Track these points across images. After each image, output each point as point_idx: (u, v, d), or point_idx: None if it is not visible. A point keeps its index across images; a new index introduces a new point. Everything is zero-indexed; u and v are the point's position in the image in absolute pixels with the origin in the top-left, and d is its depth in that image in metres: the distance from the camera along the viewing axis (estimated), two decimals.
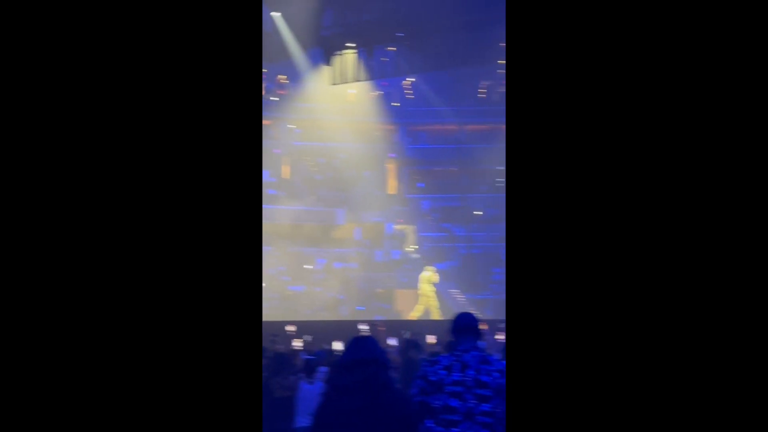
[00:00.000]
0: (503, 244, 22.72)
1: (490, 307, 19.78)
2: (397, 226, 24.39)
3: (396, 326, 12.94)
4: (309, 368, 7.30)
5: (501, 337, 9.46)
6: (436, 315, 16.33)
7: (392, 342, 10.01)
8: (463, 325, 3.80)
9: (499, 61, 20.01)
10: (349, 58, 18.39)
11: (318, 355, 8.25)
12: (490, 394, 3.56)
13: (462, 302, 20.87)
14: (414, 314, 16.56)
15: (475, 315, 3.92)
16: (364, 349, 3.51)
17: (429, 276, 16.69)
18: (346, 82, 18.78)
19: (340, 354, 3.63)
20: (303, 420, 6.42)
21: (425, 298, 16.62)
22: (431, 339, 9.97)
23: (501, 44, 18.22)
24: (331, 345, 9.24)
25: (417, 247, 24.11)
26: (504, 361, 3.67)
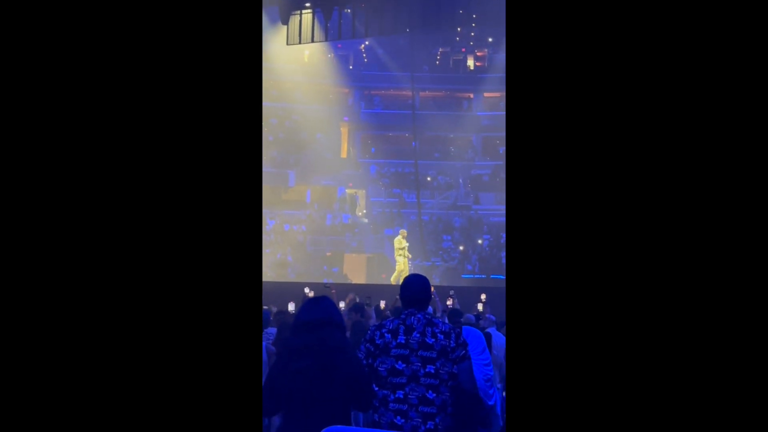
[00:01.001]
0: (453, 211, 22.97)
1: (438, 274, 19.93)
2: (349, 191, 24.36)
3: (345, 289, 12.97)
4: None
5: (450, 302, 9.57)
6: None
7: (341, 305, 10.06)
8: (411, 290, 3.87)
9: (458, 29, 20.00)
10: (305, 18, 18.18)
11: (264, 315, 8.21)
12: (434, 356, 3.64)
13: (411, 268, 21.02)
14: (392, 279, 16.37)
15: (423, 280, 3.97)
16: (320, 309, 3.62)
17: (399, 240, 16.45)
18: (302, 43, 18.58)
19: (294, 314, 3.68)
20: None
21: (399, 263, 16.38)
22: (382, 304, 10.04)
23: (460, 11, 18.17)
24: (277, 306, 9.23)
25: (366, 210, 24.14)
26: (447, 324, 3.74)
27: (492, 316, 8.70)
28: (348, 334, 7.63)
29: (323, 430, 2.94)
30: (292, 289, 13.17)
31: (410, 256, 16.56)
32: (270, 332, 7.15)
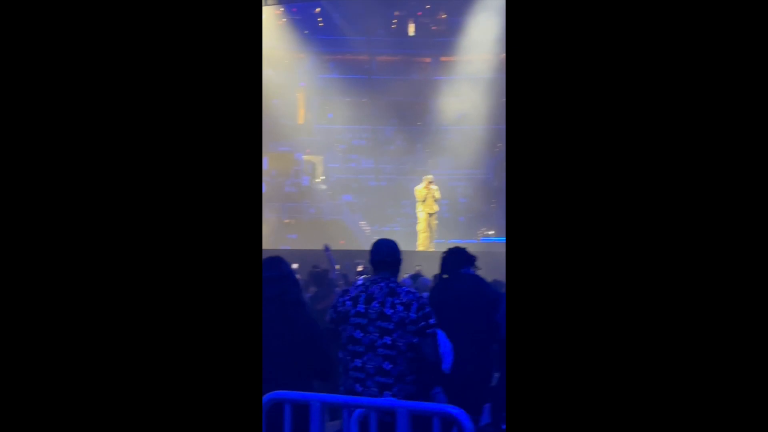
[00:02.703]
0: (411, 177, 22.93)
1: (397, 239, 19.93)
2: (306, 157, 24.19)
3: (303, 256, 12.91)
4: None
5: (360, 268, 9.51)
6: (423, 245, 14.65)
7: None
8: (380, 254, 3.80)
9: None
10: None
11: None
12: (392, 327, 3.59)
13: (368, 234, 20.99)
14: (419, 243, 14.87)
15: (393, 245, 3.90)
16: (276, 267, 3.72)
17: (420, 191, 14.73)
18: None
19: None
20: None
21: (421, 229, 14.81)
22: (359, 268, 9.96)
23: None
24: None
25: (324, 176, 24.05)
26: (411, 294, 3.68)
27: (427, 280, 8.72)
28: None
29: (265, 395, 2.88)
30: None
31: (436, 209, 14.70)
32: None
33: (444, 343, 4.05)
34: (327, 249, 8.64)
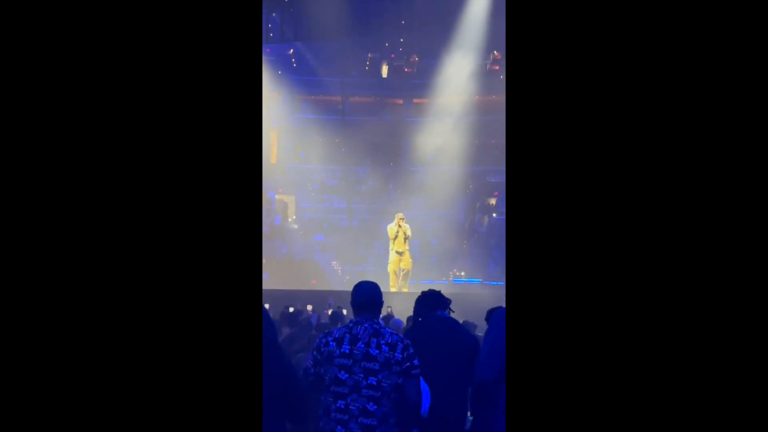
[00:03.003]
0: (384, 216, 22.96)
1: (368, 279, 19.88)
2: (279, 196, 24.15)
3: (274, 296, 12.82)
4: None
5: (329, 312, 9.48)
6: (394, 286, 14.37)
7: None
8: (361, 296, 3.81)
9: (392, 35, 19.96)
10: None
11: None
12: (377, 368, 3.59)
13: (340, 274, 20.92)
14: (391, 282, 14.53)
15: (375, 287, 3.91)
16: None
17: (391, 229, 14.37)
18: None
19: None
20: None
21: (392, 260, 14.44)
22: (309, 307, 9.93)
23: (388, 16, 18.20)
24: None
25: (295, 216, 23.99)
26: (395, 335, 3.69)
27: (399, 321, 8.72)
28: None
29: None
30: None
31: (403, 250, 14.34)
32: None
33: (422, 386, 4.05)
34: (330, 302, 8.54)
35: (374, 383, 3.57)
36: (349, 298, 3.91)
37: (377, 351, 3.61)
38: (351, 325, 3.74)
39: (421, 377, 3.97)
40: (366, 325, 3.70)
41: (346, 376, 3.59)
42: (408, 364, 3.63)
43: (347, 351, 3.63)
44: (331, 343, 3.69)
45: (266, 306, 10.46)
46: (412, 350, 3.69)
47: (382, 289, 3.97)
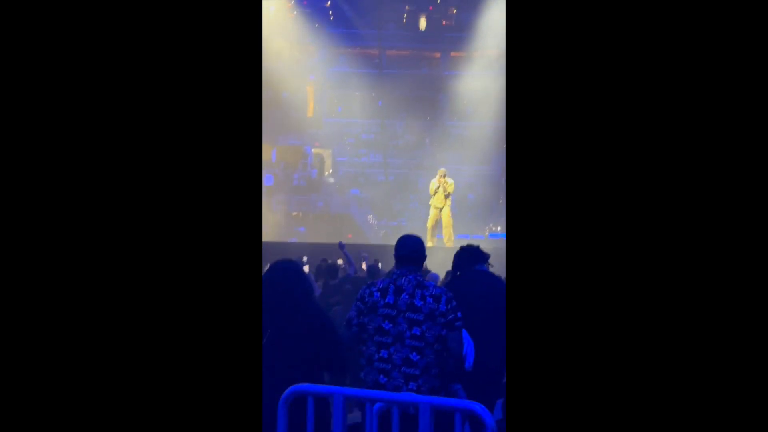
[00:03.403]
0: (420, 171, 22.91)
1: (403, 233, 19.92)
2: (315, 150, 24.16)
3: (311, 250, 12.91)
4: None
5: (363, 265, 9.50)
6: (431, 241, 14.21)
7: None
8: (406, 249, 3.84)
9: None
10: None
11: None
12: (421, 319, 3.63)
13: (376, 228, 20.99)
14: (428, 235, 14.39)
15: (418, 240, 3.94)
16: (286, 264, 3.82)
17: (433, 184, 14.20)
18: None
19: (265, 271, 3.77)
20: None
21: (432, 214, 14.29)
22: (339, 261, 9.98)
23: None
24: None
25: (332, 170, 24.01)
26: (439, 288, 3.74)
27: (435, 275, 8.74)
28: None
29: (288, 388, 2.90)
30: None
31: (444, 204, 14.16)
32: None
33: (467, 341, 4.07)
34: (342, 246, 8.63)
35: (418, 334, 3.61)
36: (385, 252, 3.95)
37: (421, 302, 3.64)
38: (395, 276, 3.77)
39: (465, 332, 4.00)
40: (410, 277, 3.73)
41: (390, 326, 3.63)
42: (452, 316, 3.66)
43: (391, 302, 3.67)
44: (375, 293, 3.73)
45: (304, 259, 10.56)
46: (455, 303, 3.73)
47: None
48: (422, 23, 25.01)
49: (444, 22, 25.25)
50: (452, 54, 24.71)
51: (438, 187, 14.16)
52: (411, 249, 3.85)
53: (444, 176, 14.22)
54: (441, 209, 14.31)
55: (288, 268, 3.77)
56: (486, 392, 4.45)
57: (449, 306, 3.68)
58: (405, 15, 24.88)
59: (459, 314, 3.72)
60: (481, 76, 22.92)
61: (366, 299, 3.75)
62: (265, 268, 3.85)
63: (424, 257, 3.91)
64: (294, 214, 21.53)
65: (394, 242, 3.98)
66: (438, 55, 25.44)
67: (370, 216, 22.12)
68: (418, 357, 3.60)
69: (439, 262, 9.59)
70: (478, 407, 2.56)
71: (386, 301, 3.68)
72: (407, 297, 3.67)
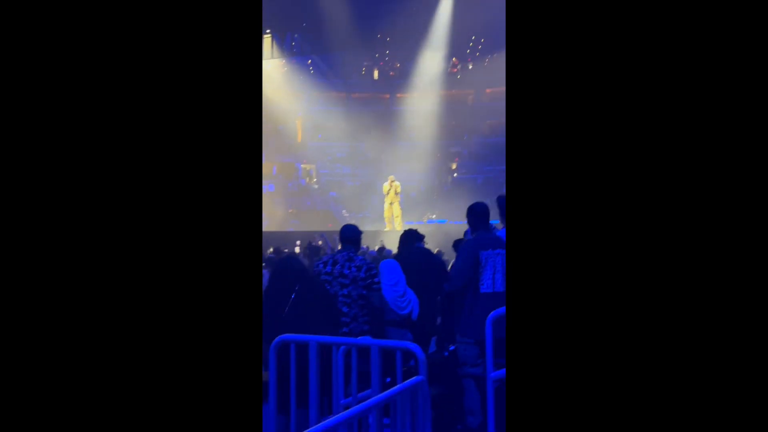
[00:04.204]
0: (378, 178, 22.74)
1: (368, 223, 19.82)
2: (304, 165, 23.96)
3: (302, 236, 12.79)
4: None
5: (320, 243, 9.43)
6: (389, 226, 14.08)
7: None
8: (347, 235, 3.93)
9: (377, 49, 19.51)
10: (266, 40, 17.57)
11: None
12: (347, 282, 3.70)
13: (348, 218, 20.83)
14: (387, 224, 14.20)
15: (354, 228, 4.01)
16: (288, 258, 3.86)
17: (385, 186, 13.95)
18: (265, 60, 17.99)
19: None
20: None
21: (385, 210, 14.17)
22: (320, 242, 9.87)
23: (378, 35, 17.80)
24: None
25: (316, 179, 23.85)
26: (363, 261, 3.79)
27: (390, 251, 8.73)
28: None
29: (276, 338, 2.79)
30: (267, 237, 12.90)
31: (395, 200, 14.06)
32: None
33: (413, 299, 4.06)
34: (323, 235, 8.72)
35: (346, 293, 3.68)
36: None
37: (348, 271, 3.72)
38: (334, 254, 3.87)
39: (412, 292, 4.01)
40: (344, 253, 3.82)
41: (329, 287, 3.69)
42: (370, 281, 3.72)
43: (330, 270, 3.74)
44: (320, 264, 3.84)
45: (297, 242, 10.39)
46: (374, 271, 3.78)
47: (381, 229, 4.04)
48: (375, 74, 25.01)
49: (391, 73, 25.28)
50: (398, 95, 24.71)
51: (390, 189, 14.27)
52: (349, 234, 3.93)
53: (393, 180, 14.36)
54: (392, 204, 14.37)
55: (293, 258, 3.85)
56: (424, 332, 4.38)
57: (368, 273, 3.72)
58: (363, 68, 24.86)
59: (377, 279, 3.77)
60: (418, 109, 23.03)
61: (314, 269, 3.86)
62: (269, 251, 3.85)
63: (359, 239, 4.02)
64: (290, 210, 21.29)
65: (363, 229, 4.08)
66: (388, 96, 25.40)
67: (344, 211, 21.93)
68: (347, 309, 3.66)
69: (392, 241, 9.58)
70: (412, 346, 2.47)
71: (326, 270, 3.75)
72: (339, 267, 3.73)
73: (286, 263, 3.60)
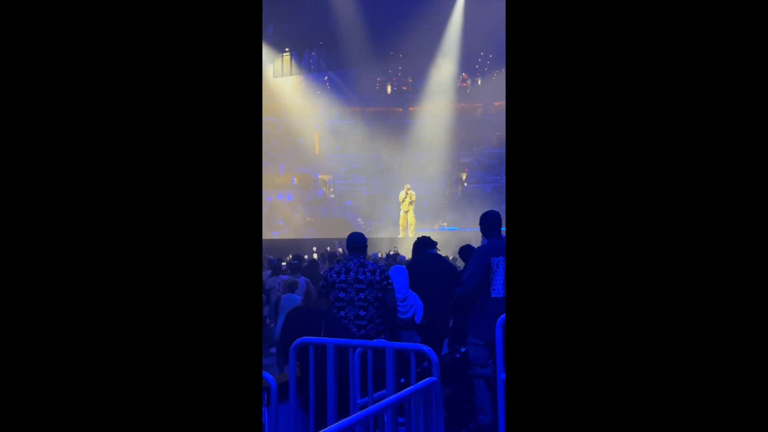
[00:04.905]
0: (392, 187, 22.79)
1: (382, 230, 19.82)
2: (321, 176, 24.03)
3: (321, 243, 12.79)
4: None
5: (396, 249, 9.49)
6: (403, 233, 14.12)
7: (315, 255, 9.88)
8: (351, 242, 3.93)
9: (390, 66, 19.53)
10: (285, 58, 17.72)
11: (272, 262, 7.92)
12: (363, 287, 3.70)
13: (363, 226, 20.87)
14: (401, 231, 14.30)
15: (360, 235, 4.03)
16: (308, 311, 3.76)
17: (401, 195, 14.03)
18: (284, 76, 18.13)
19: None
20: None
21: (401, 217, 14.17)
22: (339, 249, 9.90)
23: (391, 52, 17.87)
24: (276, 257, 9.03)
25: (333, 189, 23.90)
26: (375, 265, 3.82)
27: (403, 257, 8.73)
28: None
29: (297, 340, 2.80)
30: (286, 245, 12.95)
31: (408, 209, 13.99)
32: (282, 278, 6.79)
33: (416, 301, 4.03)
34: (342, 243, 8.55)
35: (363, 297, 3.68)
36: (368, 243, 4.00)
37: (363, 276, 3.72)
38: (345, 261, 3.84)
39: (416, 296, 3.99)
40: (355, 260, 3.81)
41: (344, 294, 3.70)
42: (385, 282, 3.74)
43: (344, 278, 3.73)
44: (332, 274, 3.80)
45: (314, 248, 10.38)
46: (387, 273, 3.82)
47: (395, 236, 4.03)
48: (389, 89, 25.07)
49: (404, 88, 25.31)
50: (410, 108, 24.71)
51: (405, 197, 14.24)
52: (356, 242, 3.90)
53: (409, 189, 14.33)
54: (407, 212, 14.34)
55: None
56: (436, 336, 4.36)
57: (381, 276, 3.75)
58: (377, 84, 24.89)
59: (391, 280, 3.80)
60: (430, 122, 23.00)
61: (327, 278, 3.80)
62: (288, 257, 3.80)
63: (365, 246, 4.02)
64: (308, 219, 21.35)
65: (377, 236, 4.06)
66: (400, 109, 25.43)
67: (359, 219, 21.97)
68: (364, 312, 3.67)
69: (407, 248, 9.54)
70: (425, 348, 2.46)
71: (340, 278, 3.74)
72: (353, 274, 3.73)
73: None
